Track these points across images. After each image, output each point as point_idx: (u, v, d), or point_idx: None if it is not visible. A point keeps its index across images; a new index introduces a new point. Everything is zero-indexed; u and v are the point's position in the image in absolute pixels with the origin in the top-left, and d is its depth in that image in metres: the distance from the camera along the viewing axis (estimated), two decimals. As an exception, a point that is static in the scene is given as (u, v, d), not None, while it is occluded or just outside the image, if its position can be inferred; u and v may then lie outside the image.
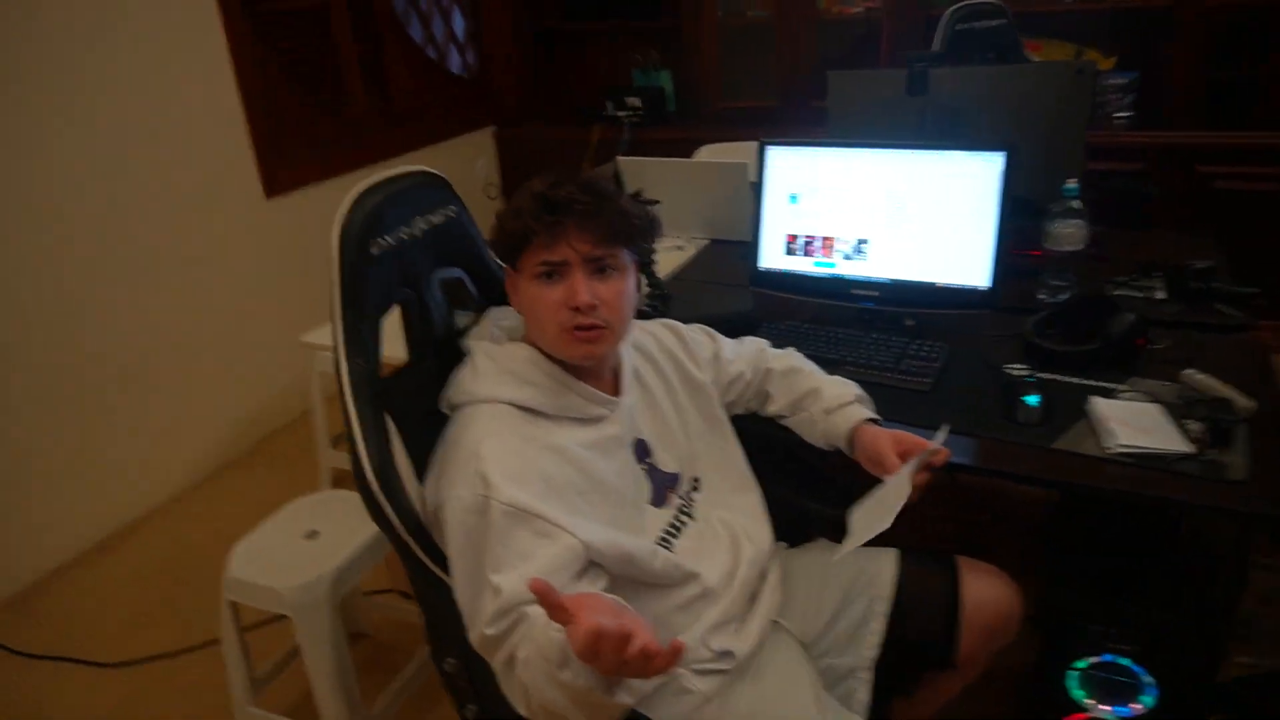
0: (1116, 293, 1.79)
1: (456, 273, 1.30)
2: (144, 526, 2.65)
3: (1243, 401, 1.31)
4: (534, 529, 0.99)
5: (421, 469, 1.13)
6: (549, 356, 1.13)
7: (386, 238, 1.13)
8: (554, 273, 1.09)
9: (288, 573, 1.60)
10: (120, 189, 2.53)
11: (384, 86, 3.59)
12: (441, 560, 1.07)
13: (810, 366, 1.40)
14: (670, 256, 2.21)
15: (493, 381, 1.11)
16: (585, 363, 1.13)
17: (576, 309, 1.07)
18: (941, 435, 1.20)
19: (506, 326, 1.22)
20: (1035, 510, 1.89)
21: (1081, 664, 1.32)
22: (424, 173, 1.23)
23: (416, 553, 1.10)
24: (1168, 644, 1.31)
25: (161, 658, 2.08)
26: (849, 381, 1.35)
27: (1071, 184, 1.72)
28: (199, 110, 2.75)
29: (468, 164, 4.11)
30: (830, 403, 1.31)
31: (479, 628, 0.96)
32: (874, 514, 1.14)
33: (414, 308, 1.20)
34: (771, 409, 1.39)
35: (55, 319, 2.40)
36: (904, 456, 1.21)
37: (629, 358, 1.24)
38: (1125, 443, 1.26)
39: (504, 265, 1.15)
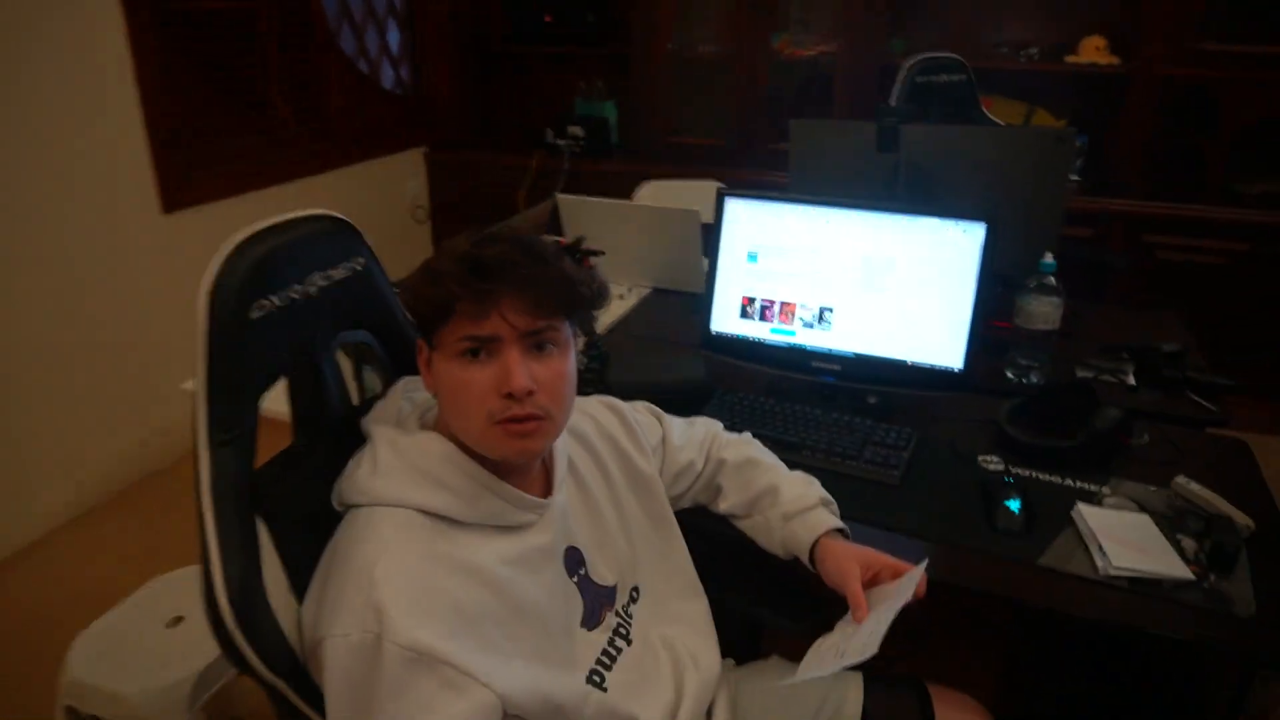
0: (1085, 375, 1.67)
1: (362, 335, 1.08)
2: (2, 577, 2.31)
3: (1243, 520, 1.19)
4: (440, 678, 0.79)
5: (303, 584, 0.91)
6: (466, 449, 0.92)
7: (272, 298, 0.92)
8: (481, 350, 0.89)
9: (141, 673, 1.34)
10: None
11: (310, 98, 3.33)
12: (322, 704, 0.85)
13: (769, 458, 1.22)
14: (610, 306, 2.02)
15: (397, 481, 0.89)
16: (518, 460, 0.93)
17: (510, 395, 0.88)
18: (919, 572, 1.01)
19: (418, 402, 1.01)
20: (1002, 622, 1.74)
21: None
22: (326, 218, 1.02)
23: (290, 698, 0.87)
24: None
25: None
26: (812, 480, 1.18)
27: (1048, 259, 1.60)
28: (90, 108, 2.46)
29: (397, 184, 3.87)
30: (790, 507, 1.14)
31: None
32: (830, 657, 0.96)
33: (304, 381, 0.99)
34: (723, 506, 1.21)
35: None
36: (873, 580, 1.04)
37: (563, 447, 1.05)
38: (1122, 565, 1.11)
39: (421, 340, 0.95)
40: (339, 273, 1.01)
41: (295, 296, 0.95)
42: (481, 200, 3.88)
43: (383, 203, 3.75)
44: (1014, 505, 1.23)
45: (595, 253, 1.70)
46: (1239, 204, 2.97)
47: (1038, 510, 1.24)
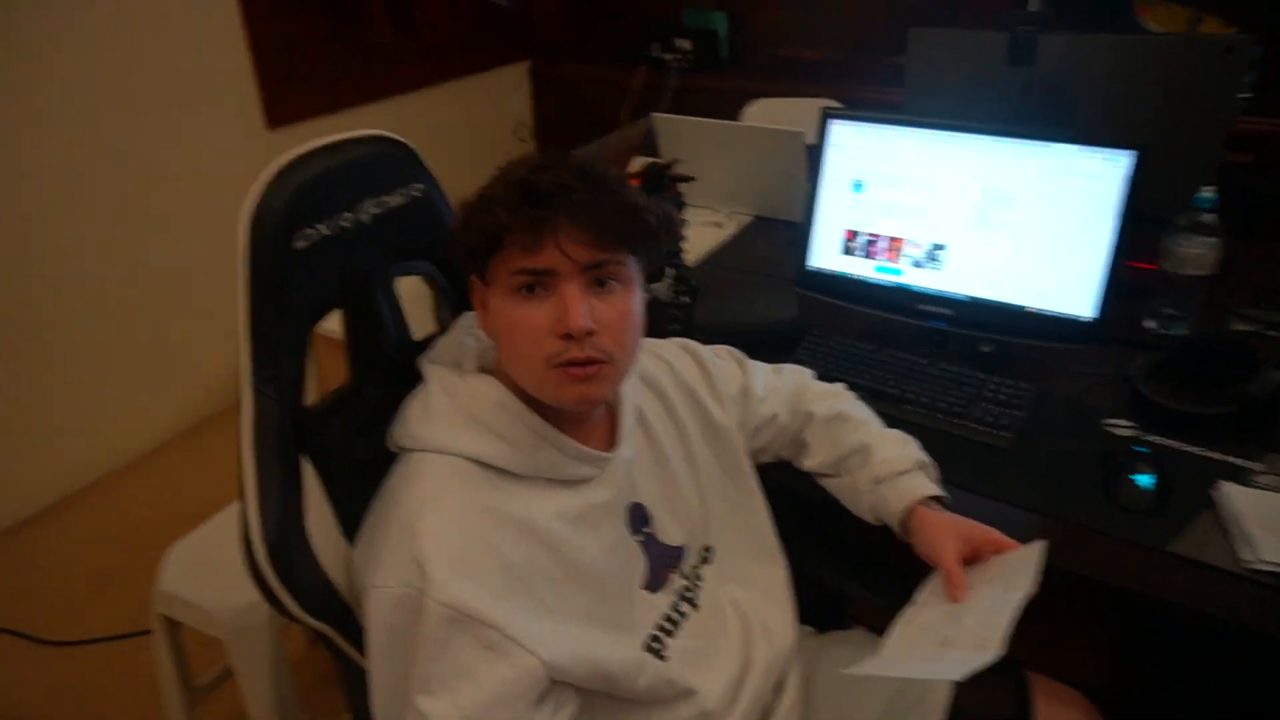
0: (1240, 327, 1.46)
1: (423, 267, 1.02)
2: (117, 482, 2.45)
3: None
4: (481, 640, 0.73)
5: (355, 527, 0.87)
6: (524, 396, 0.85)
7: (319, 226, 0.86)
8: (537, 285, 0.80)
9: (223, 588, 1.37)
10: (98, 112, 2.26)
11: (411, 12, 3.27)
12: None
13: (862, 413, 1.10)
14: (704, 235, 1.91)
15: (448, 427, 0.83)
16: (577, 408, 0.85)
17: (569, 336, 0.79)
18: (1037, 554, 0.88)
19: (484, 340, 0.94)
20: (1120, 612, 1.57)
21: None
22: (380, 139, 0.94)
23: (336, 641, 0.85)
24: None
25: (107, 640, 1.89)
26: (909, 440, 1.06)
27: (1207, 193, 1.38)
28: (193, 26, 2.46)
29: (499, 101, 3.79)
30: (881, 469, 1.02)
31: None
32: (928, 647, 0.86)
33: (358, 316, 0.93)
34: (808, 464, 1.10)
35: (17, 255, 2.16)
36: (973, 557, 0.93)
37: (631, 395, 0.96)
38: (1272, 559, 0.96)
39: (473, 277, 0.87)
40: (395, 199, 0.94)
41: (346, 225, 0.89)
42: (585, 118, 3.75)
43: (485, 120, 3.68)
44: (1143, 480, 1.08)
45: (685, 178, 1.59)
46: None
47: (1173, 486, 1.08)
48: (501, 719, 0.73)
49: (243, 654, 1.36)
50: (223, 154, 2.58)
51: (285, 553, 0.79)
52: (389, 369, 0.95)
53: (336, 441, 0.89)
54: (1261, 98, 2.79)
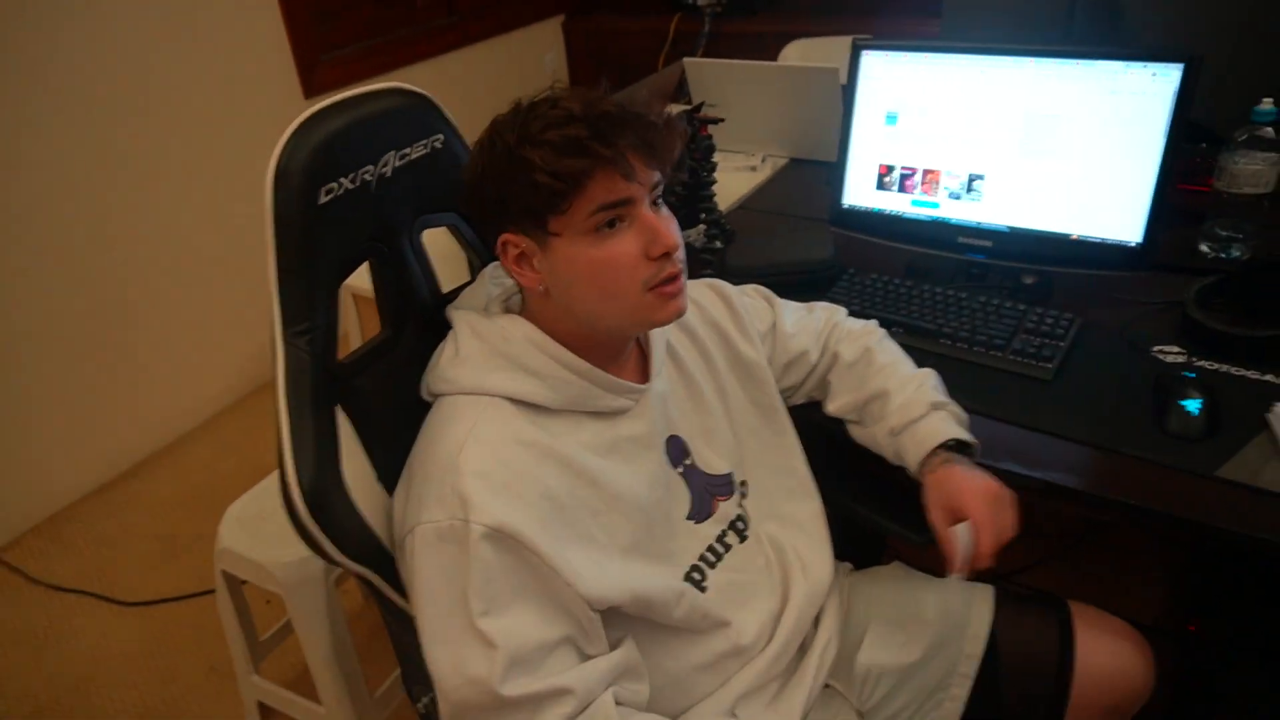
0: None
1: (449, 219, 1.03)
2: (178, 450, 2.54)
3: None
4: (527, 562, 0.75)
5: (393, 476, 0.89)
6: (557, 333, 0.86)
7: (342, 180, 0.87)
8: (617, 220, 0.80)
9: (280, 545, 1.42)
10: (135, 88, 2.31)
11: (440, -30, 3.25)
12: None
13: (888, 355, 1.08)
14: (738, 179, 1.88)
15: (479, 367, 0.85)
16: (667, 324, 0.86)
17: (664, 255, 0.81)
18: (965, 535, 0.89)
19: (507, 287, 0.95)
20: (1171, 544, 1.52)
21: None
22: (396, 92, 0.94)
23: (379, 586, 0.87)
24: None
25: (181, 599, 1.98)
26: (927, 379, 1.03)
27: (1266, 105, 1.31)
28: (228, 3, 2.48)
29: (534, 57, 3.77)
30: (897, 419, 1.00)
31: (459, 692, 0.74)
32: None
33: (386, 268, 0.94)
34: (832, 407, 1.09)
35: (73, 234, 2.24)
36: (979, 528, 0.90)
37: (661, 331, 0.97)
38: (1328, 480, 0.92)
39: (508, 236, 0.84)
40: (416, 151, 0.95)
41: (368, 178, 0.89)
42: (620, 70, 3.71)
43: (521, 76, 3.66)
44: (1193, 405, 1.04)
45: (714, 120, 1.57)
46: None
47: (1224, 411, 1.05)
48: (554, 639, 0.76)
49: (300, 606, 1.41)
50: (263, 124, 2.61)
51: (321, 499, 0.82)
52: (419, 319, 0.97)
53: (370, 392, 0.91)
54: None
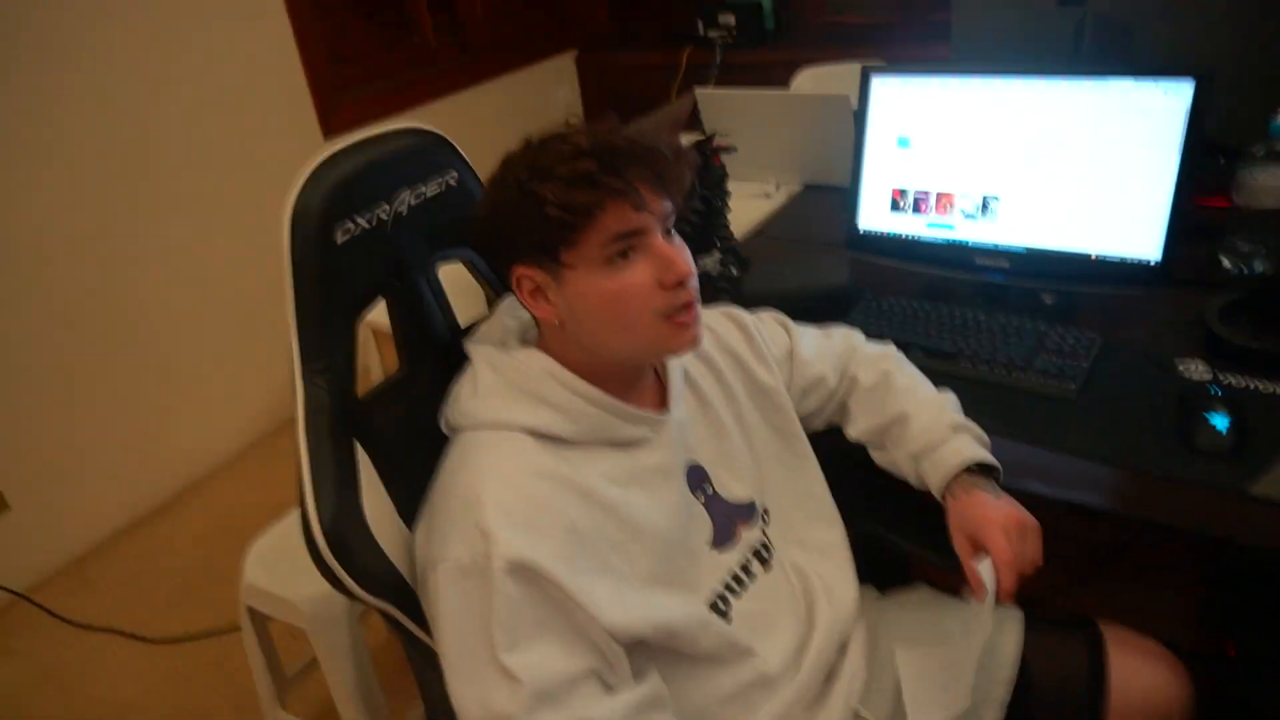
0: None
1: (463, 254, 1.04)
2: (202, 488, 2.56)
3: None
4: (549, 595, 0.75)
5: (413, 512, 0.89)
6: (574, 365, 0.86)
7: (358, 219, 0.88)
8: (630, 249, 0.81)
9: (304, 580, 1.42)
10: (158, 131, 2.36)
11: (454, 11, 3.31)
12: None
13: (906, 378, 1.07)
14: (753, 206, 1.89)
15: (499, 402, 0.85)
16: (682, 353, 0.88)
17: (678, 284, 0.82)
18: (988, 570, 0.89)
19: (524, 320, 0.96)
20: (1201, 563, 1.49)
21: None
22: (410, 131, 0.96)
23: (401, 621, 0.87)
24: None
25: (207, 636, 1.98)
26: (946, 401, 1.03)
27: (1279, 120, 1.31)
28: (246, 41, 2.54)
29: (548, 93, 3.82)
30: (917, 444, 0.99)
31: None
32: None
33: (402, 304, 0.95)
34: (852, 433, 1.09)
35: (100, 277, 2.28)
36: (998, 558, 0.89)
37: (677, 359, 0.97)
38: (1362, 496, 0.91)
39: (522, 270, 0.84)
40: (430, 189, 0.96)
41: (384, 216, 0.91)
42: (632, 104, 3.75)
43: (535, 112, 3.71)
44: (1220, 421, 1.03)
45: (726, 149, 1.58)
46: None
47: (1252, 427, 1.03)
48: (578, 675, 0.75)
49: (324, 641, 1.41)
50: (285, 166, 2.66)
51: (342, 535, 0.82)
52: (437, 354, 0.98)
53: (389, 428, 0.91)
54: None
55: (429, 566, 0.79)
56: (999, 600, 0.88)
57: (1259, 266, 1.38)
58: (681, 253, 0.83)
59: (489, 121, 3.38)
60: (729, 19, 3.48)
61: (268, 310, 2.65)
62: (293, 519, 1.58)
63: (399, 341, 0.97)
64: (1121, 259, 1.24)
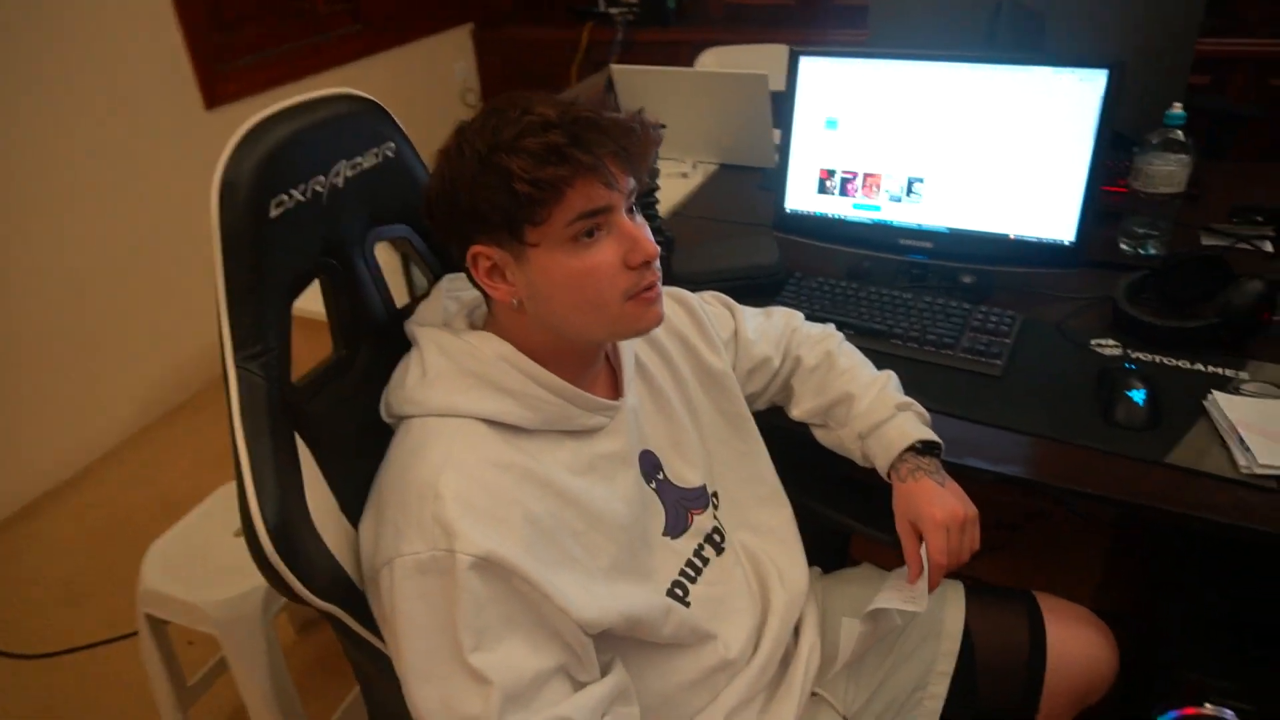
0: (1216, 242, 1.48)
1: (401, 230, 0.98)
2: (76, 487, 2.36)
3: None
4: (518, 590, 0.72)
5: (355, 505, 0.83)
6: (529, 348, 0.83)
7: (292, 192, 0.81)
8: (596, 228, 0.78)
9: (212, 582, 1.33)
10: (36, 106, 2.14)
11: (345, -24, 3.14)
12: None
13: (848, 358, 1.09)
14: (672, 186, 1.87)
15: (451, 388, 0.80)
16: (646, 332, 0.84)
17: (644, 264, 0.79)
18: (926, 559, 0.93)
19: (465, 301, 0.91)
20: (1125, 530, 1.58)
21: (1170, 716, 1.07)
22: (345, 98, 0.89)
23: (347, 623, 0.82)
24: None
25: (91, 647, 1.83)
26: (889, 381, 1.05)
27: (1177, 109, 1.38)
28: (123, 11, 2.33)
29: (444, 67, 3.69)
30: (863, 422, 1.01)
31: None
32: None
33: (340, 284, 0.89)
34: (796, 412, 1.09)
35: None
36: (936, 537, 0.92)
37: (628, 344, 0.94)
38: (1270, 462, 0.97)
39: (480, 247, 0.79)
40: (368, 161, 0.90)
41: (319, 189, 0.84)
42: (532, 80, 3.67)
43: (430, 88, 3.58)
44: (1137, 395, 1.09)
45: (657, 125, 1.55)
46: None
47: (1164, 400, 1.09)
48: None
49: (237, 646, 1.32)
50: (165, 139, 2.47)
51: (288, 534, 0.76)
52: (374, 338, 0.92)
53: (327, 416, 0.85)
54: (1217, 21, 2.83)
55: (381, 564, 0.74)
56: (930, 588, 0.91)
57: (1152, 249, 1.46)
58: (646, 231, 0.81)
59: (383, 95, 3.18)
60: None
61: (144, 291, 2.48)
62: (195, 518, 1.48)
63: (335, 325, 0.90)
64: (1039, 241, 1.30)
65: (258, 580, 1.31)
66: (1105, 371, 1.15)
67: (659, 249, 0.80)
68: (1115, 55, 1.20)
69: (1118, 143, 1.51)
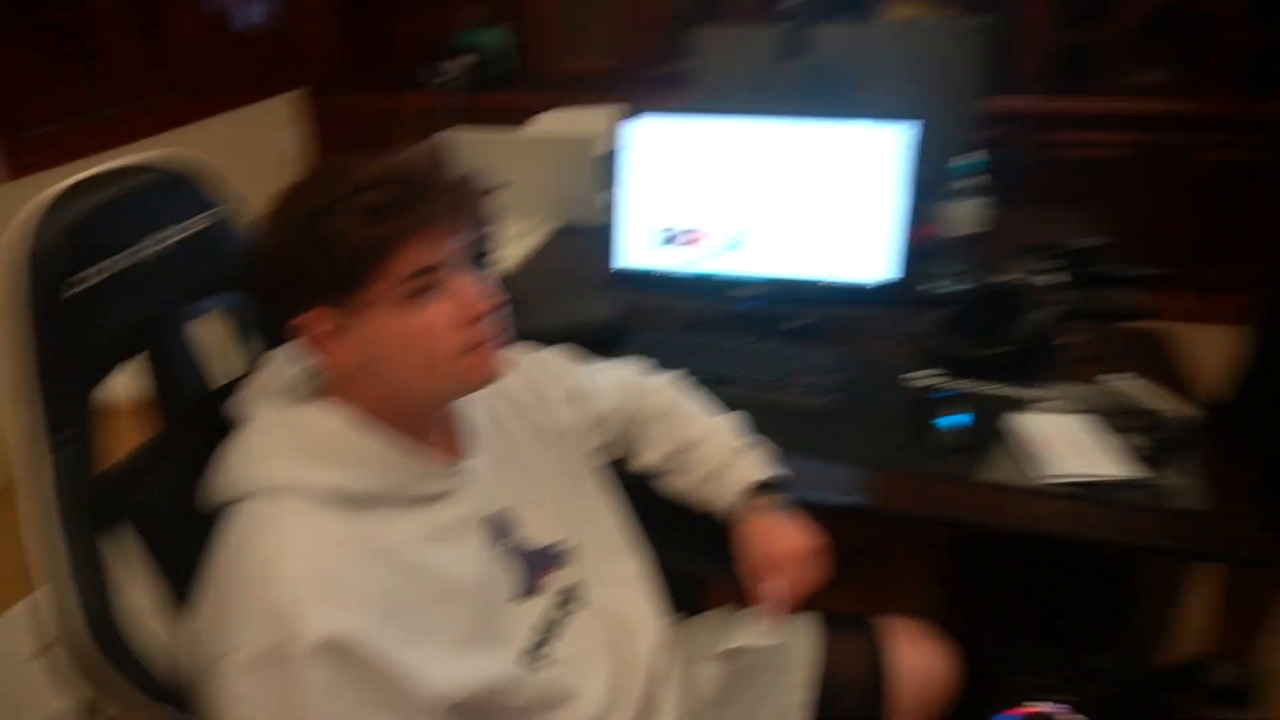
0: (1008, 278, 1.63)
1: (225, 301, 0.94)
2: None
3: (1183, 410, 1.16)
4: (367, 674, 0.69)
5: (183, 598, 0.78)
6: (373, 415, 0.81)
7: (92, 270, 0.77)
8: (428, 287, 0.77)
9: (14, 711, 1.20)
10: None
11: (161, 42, 3.02)
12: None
13: (692, 403, 1.12)
14: (515, 245, 1.89)
15: (283, 464, 0.77)
16: (483, 388, 0.84)
17: (478, 318, 0.79)
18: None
19: (296, 372, 0.88)
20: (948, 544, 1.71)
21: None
22: (154, 168, 0.86)
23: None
24: (1108, 692, 1.16)
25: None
26: (733, 420, 1.09)
27: (974, 158, 1.53)
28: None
29: (268, 136, 3.58)
30: (705, 466, 1.04)
31: None
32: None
33: (154, 364, 0.85)
34: (643, 460, 1.11)
35: None
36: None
37: (469, 404, 0.94)
38: (1058, 471, 1.08)
39: (311, 313, 0.77)
40: (180, 232, 0.87)
41: (128, 263, 0.80)
42: (367, 147, 3.59)
43: (257, 155, 3.46)
44: (948, 421, 1.18)
45: (496, 187, 1.57)
46: (1139, 94, 2.99)
47: (975, 423, 1.19)
48: None
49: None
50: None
51: (111, 634, 0.71)
52: (199, 418, 0.87)
53: (146, 505, 0.80)
54: (1005, 78, 3.14)
55: (213, 660, 0.69)
56: (779, 623, 0.95)
57: (958, 285, 1.60)
58: (483, 285, 0.81)
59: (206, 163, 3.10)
60: (466, 62, 3.47)
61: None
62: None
63: (150, 406, 0.86)
64: (858, 284, 1.39)
65: (68, 701, 1.21)
66: (920, 401, 1.24)
67: (499, 299, 0.81)
68: (919, 110, 1.33)
69: (926, 189, 1.65)
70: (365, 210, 0.73)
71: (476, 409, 0.94)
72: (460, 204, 0.78)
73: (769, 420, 1.22)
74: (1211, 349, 1.55)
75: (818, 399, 1.27)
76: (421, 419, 0.85)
